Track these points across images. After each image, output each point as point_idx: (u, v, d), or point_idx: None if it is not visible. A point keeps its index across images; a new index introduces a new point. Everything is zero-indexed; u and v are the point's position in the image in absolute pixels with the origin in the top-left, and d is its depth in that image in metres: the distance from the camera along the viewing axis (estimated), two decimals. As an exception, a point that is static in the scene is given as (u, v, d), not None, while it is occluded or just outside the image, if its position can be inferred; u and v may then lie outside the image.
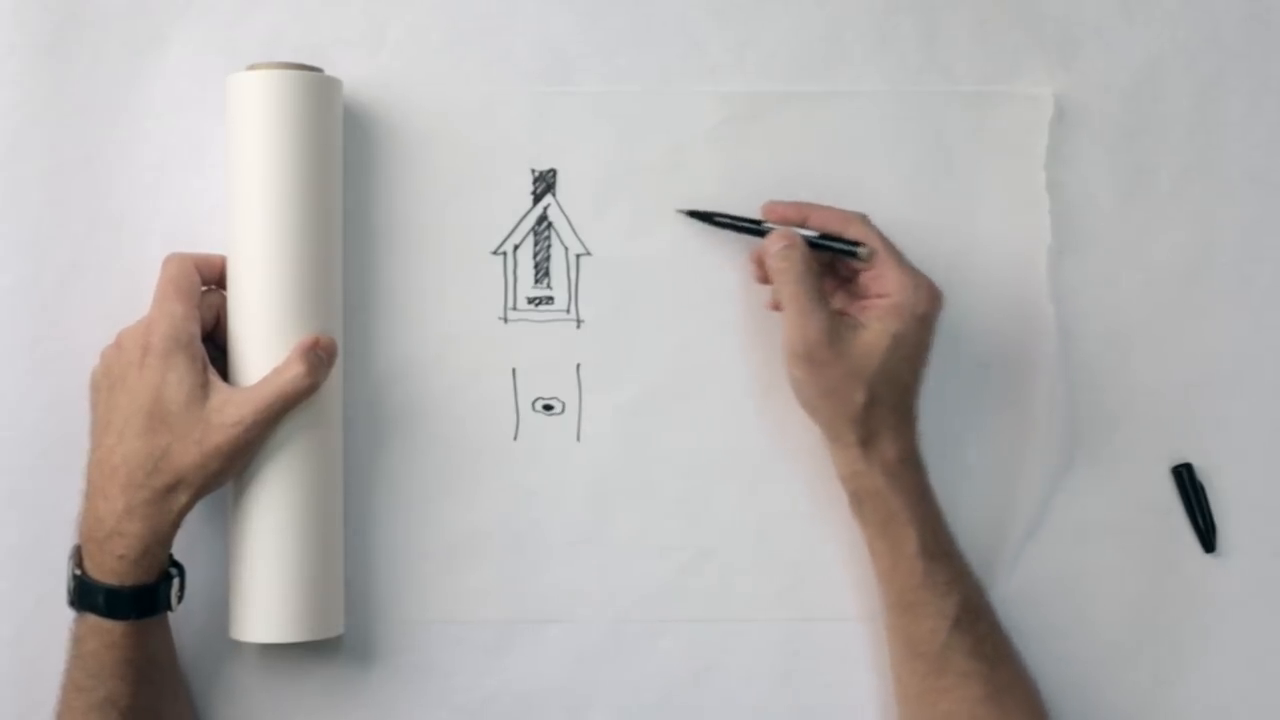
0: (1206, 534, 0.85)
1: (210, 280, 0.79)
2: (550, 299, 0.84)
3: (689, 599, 0.84)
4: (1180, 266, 0.85)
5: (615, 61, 0.84)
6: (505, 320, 0.84)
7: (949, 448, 0.84)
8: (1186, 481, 0.84)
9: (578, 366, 0.84)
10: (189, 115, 0.83)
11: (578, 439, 0.84)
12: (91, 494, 0.76)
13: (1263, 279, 0.86)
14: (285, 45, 0.83)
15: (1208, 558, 0.85)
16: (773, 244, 0.78)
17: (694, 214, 0.83)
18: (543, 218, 0.84)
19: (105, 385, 0.77)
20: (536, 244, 0.84)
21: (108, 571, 0.74)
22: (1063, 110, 0.85)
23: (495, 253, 0.84)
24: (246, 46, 0.82)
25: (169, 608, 0.77)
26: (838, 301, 0.80)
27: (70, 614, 0.76)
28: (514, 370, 0.84)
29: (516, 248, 0.84)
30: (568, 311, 0.84)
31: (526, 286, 0.84)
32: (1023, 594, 0.84)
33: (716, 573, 0.84)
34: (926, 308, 0.77)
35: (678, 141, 0.84)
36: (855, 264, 0.79)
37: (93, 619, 0.75)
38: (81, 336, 0.81)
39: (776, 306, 0.79)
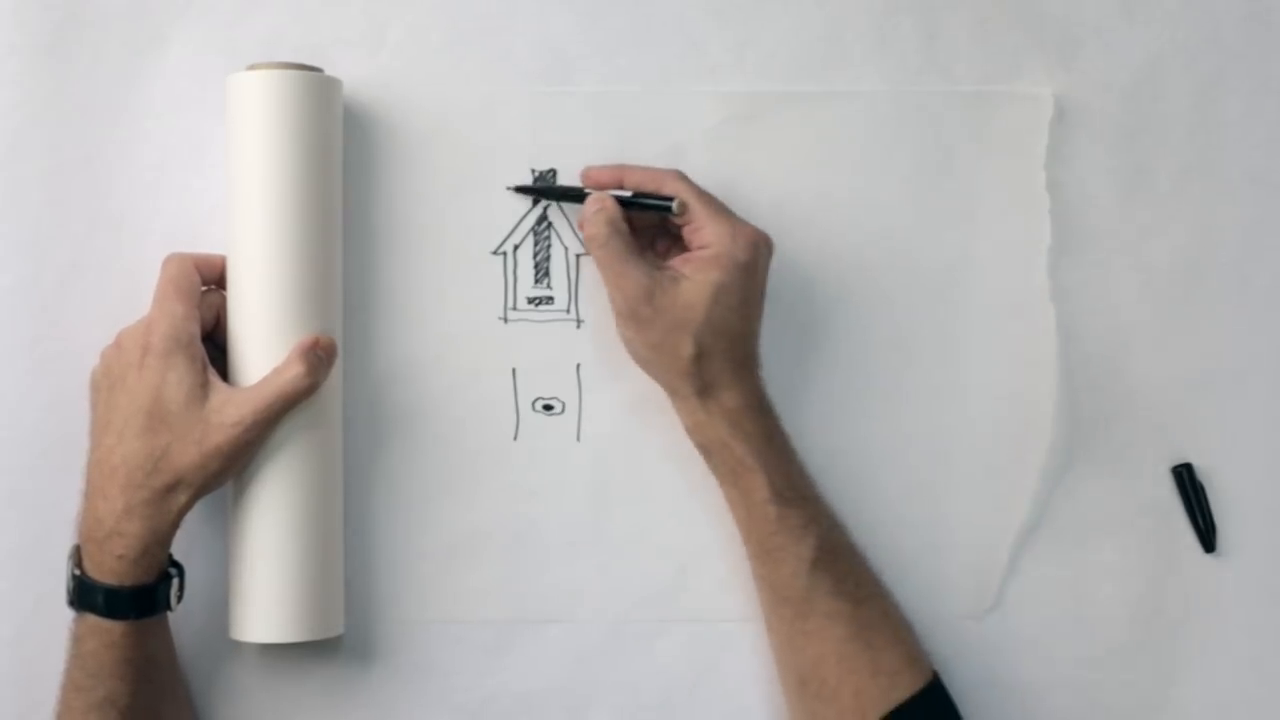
0: (1206, 534, 0.84)
1: (210, 280, 0.79)
2: (550, 299, 0.84)
3: (689, 599, 0.84)
4: (1180, 266, 0.85)
5: (615, 61, 0.84)
6: (505, 320, 0.84)
7: (949, 447, 0.84)
8: (1186, 481, 0.84)
9: (578, 366, 0.84)
10: (189, 115, 0.83)
11: (578, 439, 0.84)
12: (91, 494, 0.76)
13: (1263, 279, 0.86)
14: (285, 45, 0.83)
15: (1208, 558, 0.85)
16: (586, 209, 0.80)
17: (522, 189, 0.83)
18: (543, 218, 0.84)
19: (105, 385, 0.77)
20: (536, 244, 0.84)
21: (107, 571, 0.74)
22: (1063, 110, 0.85)
23: (495, 253, 0.84)
24: (246, 46, 0.82)
25: (168, 607, 0.77)
26: (670, 259, 0.80)
27: (70, 614, 0.76)
28: (514, 370, 0.84)
29: (516, 248, 0.84)
30: (568, 311, 0.84)
31: (526, 286, 0.84)
32: (1023, 594, 0.84)
33: (716, 573, 0.84)
34: (748, 255, 0.77)
35: (678, 141, 0.84)
36: (672, 219, 0.79)
37: (92, 619, 0.75)
38: (81, 336, 0.81)
39: None
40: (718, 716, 0.84)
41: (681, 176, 0.80)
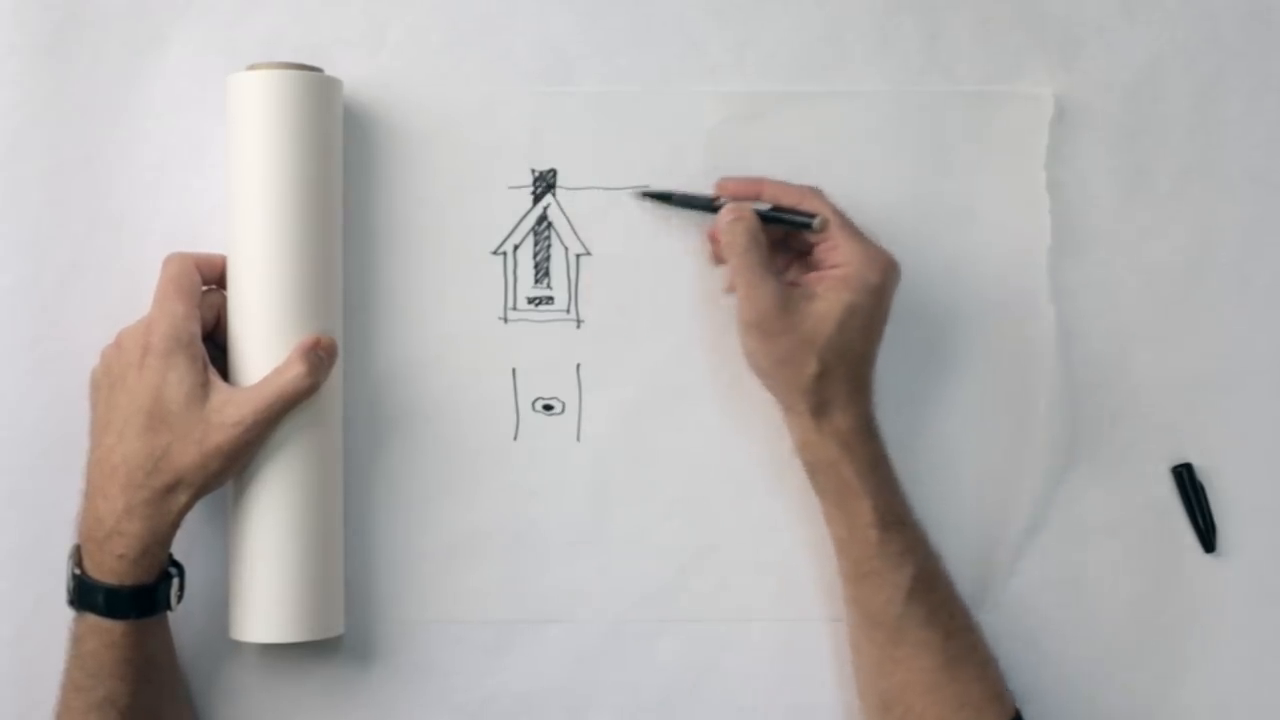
0: (1206, 534, 0.85)
1: (210, 280, 0.79)
2: (550, 299, 0.84)
3: (689, 599, 0.84)
4: (1180, 266, 0.85)
5: (615, 61, 0.84)
6: (505, 320, 0.84)
7: (949, 448, 0.84)
8: (1186, 481, 0.84)
9: (578, 366, 0.84)
10: (189, 115, 0.83)
11: (578, 439, 0.84)
12: (91, 494, 0.76)
13: (1263, 279, 0.86)
14: (285, 45, 0.83)
15: (1208, 558, 0.85)
16: (722, 218, 0.79)
17: (651, 195, 0.83)
18: (543, 218, 0.84)
19: (105, 385, 0.77)
20: (536, 244, 0.84)
21: (107, 571, 0.74)
22: (1063, 110, 0.85)
23: (495, 253, 0.84)
24: (246, 46, 0.82)
25: (168, 607, 0.77)
26: (794, 274, 0.80)
27: (70, 614, 0.76)
28: (514, 370, 0.84)
29: (516, 248, 0.84)
30: (568, 311, 0.84)
31: (526, 286, 0.84)
32: (1023, 594, 0.84)
33: (716, 573, 0.84)
34: (880, 278, 0.77)
35: (678, 141, 0.84)
36: (809, 236, 0.79)
37: (92, 618, 0.75)
38: (81, 336, 0.81)
39: (732, 288, 0.79)
40: (718, 716, 0.84)
41: (820, 194, 0.80)
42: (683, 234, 0.84)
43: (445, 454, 0.83)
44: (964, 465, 0.84)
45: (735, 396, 0.83)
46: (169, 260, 0.78)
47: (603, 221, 0.84)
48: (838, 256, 0.78)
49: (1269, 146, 0.86)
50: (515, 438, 0.84)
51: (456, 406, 0.84)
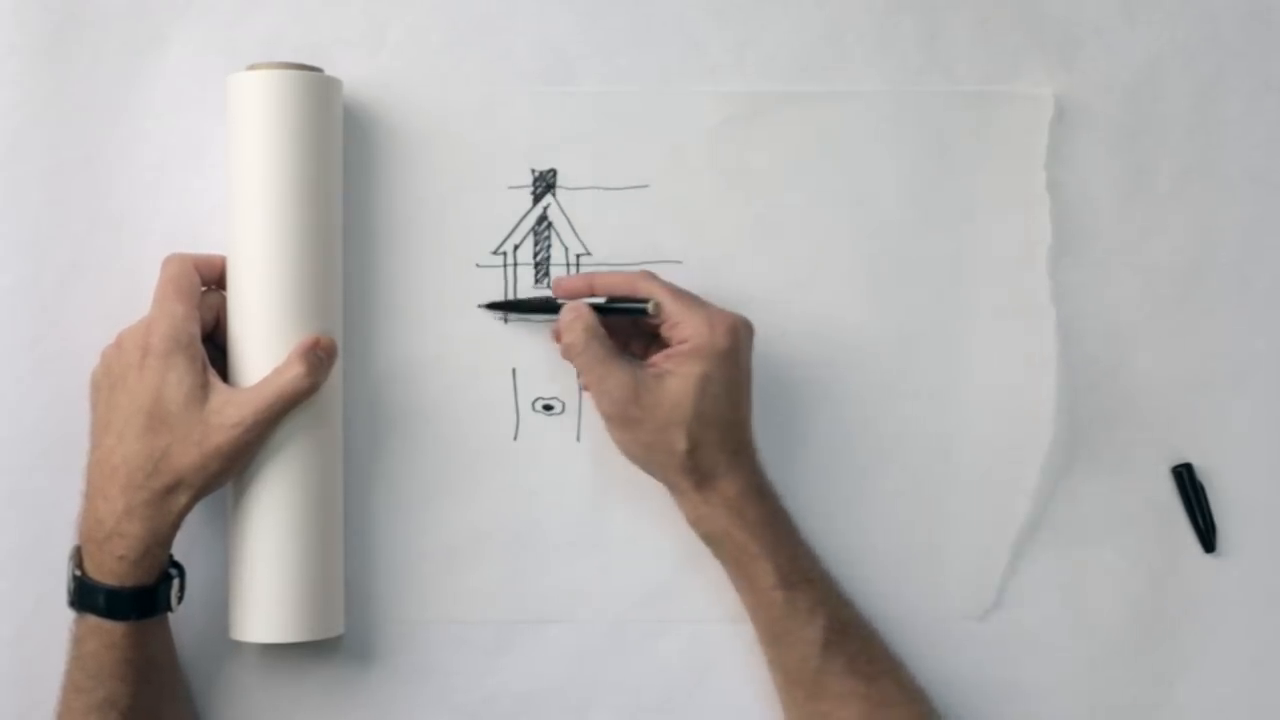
0: (1206, 534, 0.85)
1: (210, 280, 0.79)
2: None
3: (689, 599, 0.84)
4: (1180, 266, 0.85)
5: (615, 61, 0.84)
6: (505, 320, 0.84)
7: (949, 449, 0.84)
8: (1186, 481, 0.84)
9: (578, 366, 0.84)
10: (189, 115, 0.83)
11: (578, 439, 0.84)
12: (91, 494, 0.75)
13: (1263, 279, 0.86)
14: (285, 45, 0.83)
15: (1208, 558, 0.85)
16: (561, 319, 0.79)
17: (490, 306, 0.83)
18: (543, 218, 0.84)
19: (105, 385, 0.77)
20: (536, 244, 0.84)
21: (108, 572, 0.74)
22: (1063, 110, 0.85)
23: (495, 252, 0.84)
24: (246, 46, 0.82)
25: (169, 608, 0.77)
26: (652, 357, 0.79)
27: (70, 614, 0.76)
28: (514, 370, 0.84)
29: (517, 248, 0.84)
30: (568, 311, 0.84)
31: (526, 286, 0.84)
32: (1023, 594, 0.84)
33: (716, 573, 0.83)
34: (728, 341, 0.77)
35: (678, 141, 0.84)
36: (650, 320, 0.79)
37: (93, 619, 0.75)
38: (81, 336, 0.81)
39: (586, 386, 0.79)
40: (718, 716, 0.84)
41: (651, 276, 0.80)
42: (682, 235, 0.84)
43: (445, 454, 0.83)
44: (963, 465, 0.84)
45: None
46: (168, 261, 0.78)
47: (603, 221, 0.84)
48: (683, 331, 0.77)
49: (1269, 146, 0.86)
50: (515, 438, 0.84)
51: (456, 406, 0.84)
